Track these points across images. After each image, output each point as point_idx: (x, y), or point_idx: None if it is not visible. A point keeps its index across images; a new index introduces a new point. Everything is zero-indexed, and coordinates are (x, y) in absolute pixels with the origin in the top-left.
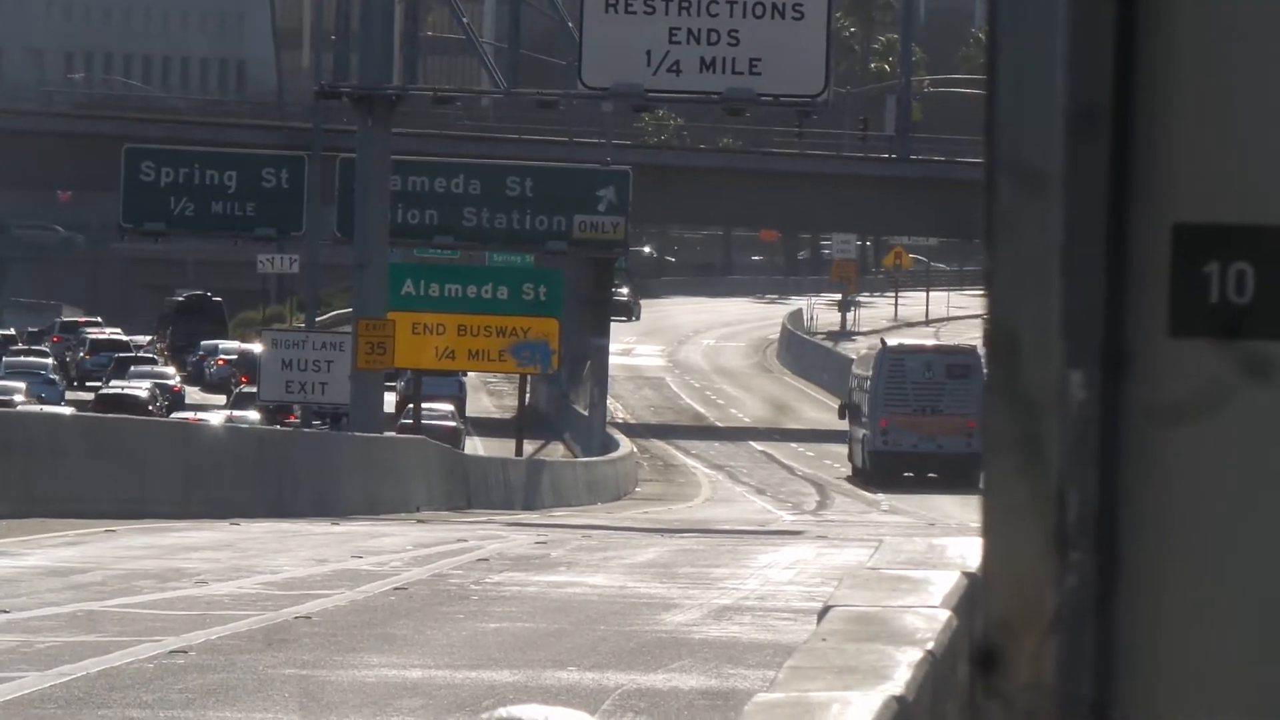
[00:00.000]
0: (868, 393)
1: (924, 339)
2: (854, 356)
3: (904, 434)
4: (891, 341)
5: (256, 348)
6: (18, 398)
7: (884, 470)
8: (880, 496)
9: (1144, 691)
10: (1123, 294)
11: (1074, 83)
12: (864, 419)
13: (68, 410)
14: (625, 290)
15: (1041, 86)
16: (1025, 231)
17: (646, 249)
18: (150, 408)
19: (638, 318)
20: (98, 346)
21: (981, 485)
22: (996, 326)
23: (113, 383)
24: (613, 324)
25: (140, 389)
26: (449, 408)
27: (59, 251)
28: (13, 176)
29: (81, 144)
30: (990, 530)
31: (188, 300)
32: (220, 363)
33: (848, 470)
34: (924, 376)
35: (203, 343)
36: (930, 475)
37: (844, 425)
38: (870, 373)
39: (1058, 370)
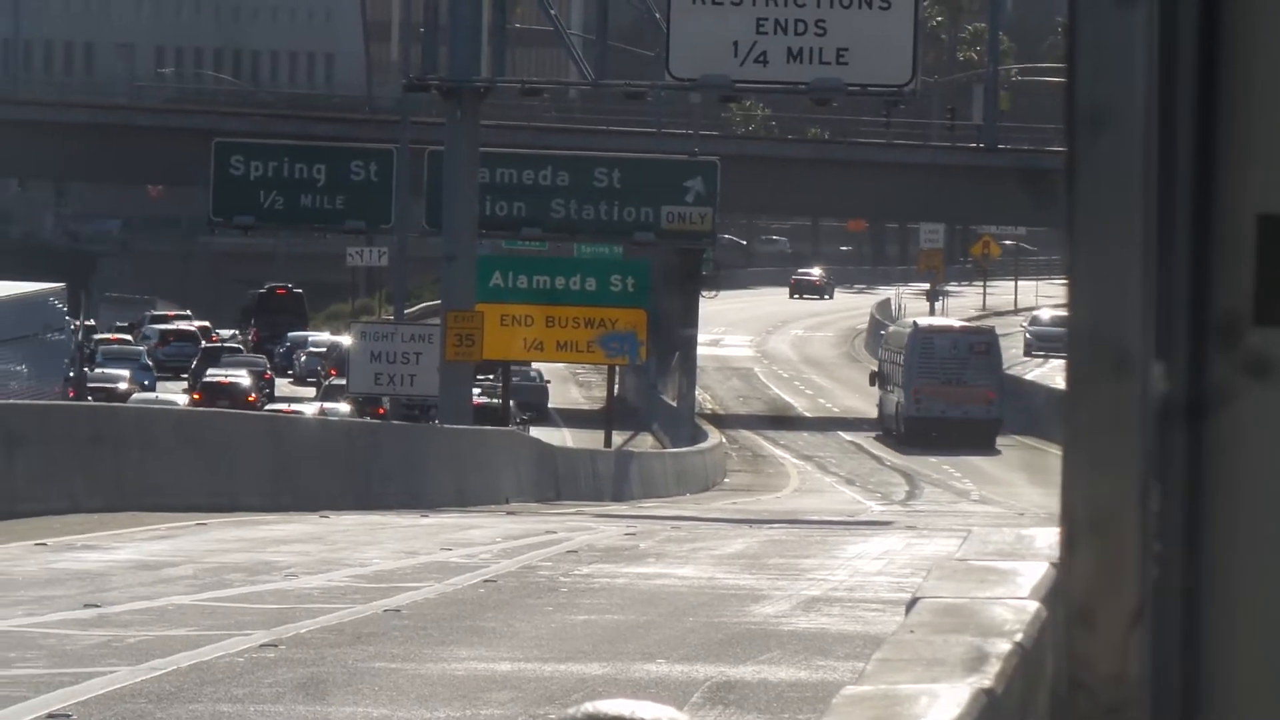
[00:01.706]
0: (900, 366)
1: (951, 320)
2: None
3: (934, 402)
4: (923, 323)
5: (345, 340)
6: (122, 385)
7: (915, 432)
8: (911, 458)
9: (1230, 685)
10: (1207, 286)
11: (1156, 74)
12: (893, 388)
13: (182, 399)
14: (817, 271)
15: (1122, 78)
16: (1108, 222)
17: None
18: (253, 395)
19: (831, 296)
20: (167, 338)
21: (1061, 476)
22: (1079, 320)
23: (211, 371)
24: (807, 302)
25: (243, 377)
26: (535, 368)
27: (147, 240)
28: (104, 171)
29: (172, 138)
30: (1073, 522)
31: (269, 293)
32: (306, 355)
33: (878, 431)
34: (950, 353)
35: (290, 334)
36: (954, 436)
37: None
38: (902, 348)
39: (1141, 362)
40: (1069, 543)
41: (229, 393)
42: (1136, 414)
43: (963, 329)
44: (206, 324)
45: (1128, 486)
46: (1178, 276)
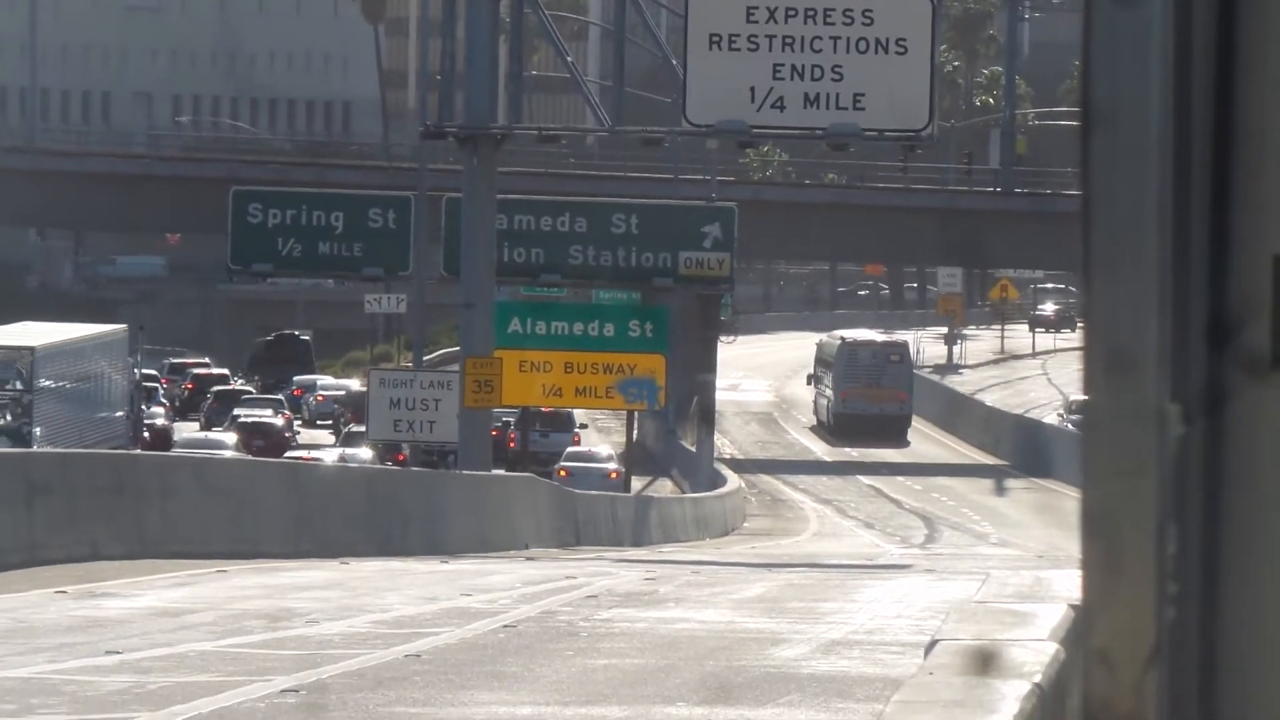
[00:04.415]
0: (830, 372)
1: (872, 334)
2: (950, 385)
3: (857, 402)
4: (848, 336)
5: (355, 384)
6: (160, 421)
7: (843, 426)
8: (842, 449)
9: None
10: (1223, 327)
11: (1170, 120)
12: (825, 389)
13: (232, 437)
14: (1051, 306)
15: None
16: (1125, 265)
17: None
18: (287, 434)
19: (1073, 330)
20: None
21: (1080, 520)
22: (1096, 361)
23: (244, 412)
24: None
25: (275, 417)
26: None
27: (166, 288)
28: (122, 220)
29: (189, 187)
30: (1090, 563)
31: (275, 340)
32: (319, 399)
33: (813, 422)
34: (871, 361)
35: (296, 378)
36: (873, 429)
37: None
38: (832, 357)
39: (1156, 405)
40: (1088, 584)
41: (265, 432)
42: (1154, 456)
43: (882, 342)
44: (225, 370)
45: (1146, 528)
46: (1195, 319)
